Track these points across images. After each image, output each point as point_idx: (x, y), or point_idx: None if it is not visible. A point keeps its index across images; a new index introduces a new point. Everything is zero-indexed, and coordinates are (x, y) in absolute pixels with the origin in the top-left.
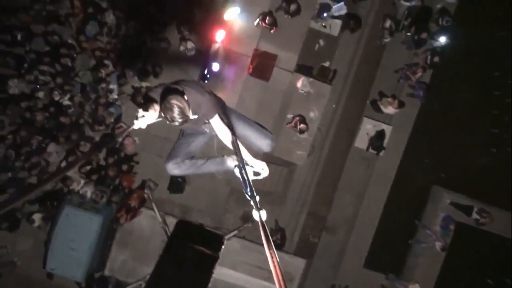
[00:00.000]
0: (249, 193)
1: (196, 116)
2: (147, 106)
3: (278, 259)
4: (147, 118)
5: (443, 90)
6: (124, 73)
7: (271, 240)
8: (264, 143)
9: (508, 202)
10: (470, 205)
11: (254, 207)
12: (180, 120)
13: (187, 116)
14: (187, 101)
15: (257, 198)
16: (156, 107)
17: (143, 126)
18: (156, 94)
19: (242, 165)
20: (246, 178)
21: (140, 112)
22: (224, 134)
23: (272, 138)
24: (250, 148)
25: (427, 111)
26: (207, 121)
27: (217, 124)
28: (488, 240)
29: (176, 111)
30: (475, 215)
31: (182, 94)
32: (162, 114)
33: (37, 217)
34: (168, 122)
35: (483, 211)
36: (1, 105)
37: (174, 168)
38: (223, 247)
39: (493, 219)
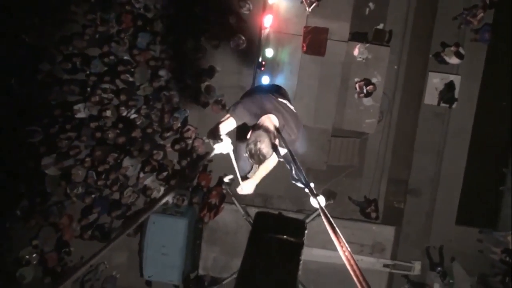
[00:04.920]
0: (304, 182)
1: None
2: (217, 138)
3: (348, 247)
4: (222, 145)
5: (509, 27)
6: (182, 77)
7: (336, 227)
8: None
9: None
10: None
11: (310, 195)
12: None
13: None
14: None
15: (312, 185)
16: (225, 138)
17: (224, 151)
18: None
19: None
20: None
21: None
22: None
23: None
24: None
25: (495, 52)
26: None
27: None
28: None
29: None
30: None
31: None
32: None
33: None
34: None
35: None
36: (75, 131)
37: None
38: (306, 231)
39: None
